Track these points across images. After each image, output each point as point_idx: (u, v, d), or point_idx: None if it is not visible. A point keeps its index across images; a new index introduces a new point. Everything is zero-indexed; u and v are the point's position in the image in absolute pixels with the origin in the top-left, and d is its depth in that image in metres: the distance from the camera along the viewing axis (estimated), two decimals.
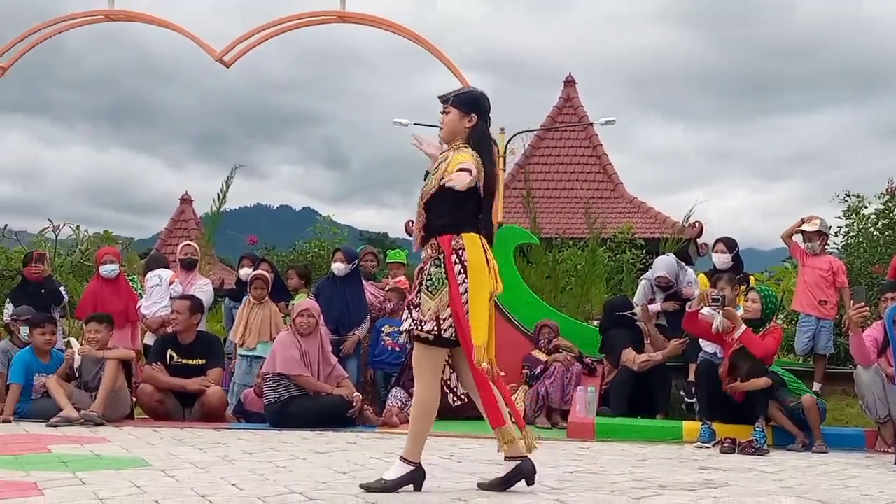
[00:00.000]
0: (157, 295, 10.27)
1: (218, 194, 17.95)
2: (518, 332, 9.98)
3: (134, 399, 9.23)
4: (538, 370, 9.42)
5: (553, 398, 9.20)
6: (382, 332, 9.89)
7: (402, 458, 5.11)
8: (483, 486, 5.22)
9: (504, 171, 24.93)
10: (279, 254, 23.79)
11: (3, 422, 8.40)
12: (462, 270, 5.02)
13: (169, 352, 9.23)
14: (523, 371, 9.54)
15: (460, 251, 5.04)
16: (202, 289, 10.29)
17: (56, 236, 18.64)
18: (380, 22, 10.40)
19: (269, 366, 8.85)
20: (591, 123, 28.70)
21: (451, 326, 5.02)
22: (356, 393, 8.94)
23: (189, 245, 11.06)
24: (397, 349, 9.78)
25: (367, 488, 5.01)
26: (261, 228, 77.51)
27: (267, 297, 9.82)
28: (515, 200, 23.16)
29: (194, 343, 9.29)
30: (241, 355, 9.78)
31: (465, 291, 5.01)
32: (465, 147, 5.13)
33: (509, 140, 27.28)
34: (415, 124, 30.56)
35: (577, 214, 24.09)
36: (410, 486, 5.07)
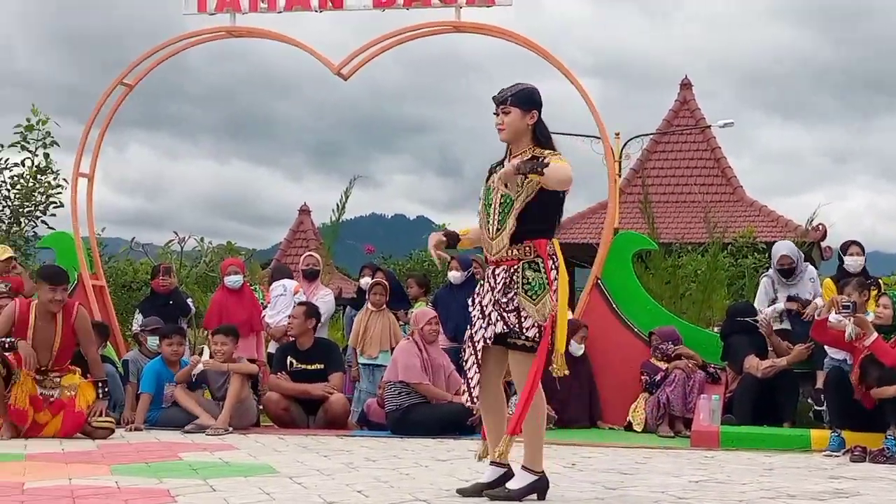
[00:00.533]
0: (282, 305, 10.46)
1: (337, 205, 18.21)
2: (637, 338, 9.86)
3: (260, 407, 9.43)
4: (658, 377, 9.30)
5: (675, 406, 9.06)
6: None
7: (524, 468, 5.05)
8: (465, 493, 5.10)
9: (619, 176, 24.68)
10: (396, 262, 24.04)
11: (135, 430, 8.66)
12: (557, 277, 4.97)
13: (288, 358, 9.40)
14: (642, 378, 9.42)
15: (554, 257, 4.99)
16: (323, 299, 10.45)
17: (181, 248, 19.17)
18: (493, 30, 10.42)
19: (390, 374, 8.97)
20: (709, 126, 28.23)
21: (540, 333, 4.95)
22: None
23: (311, 256, 11.26)
24: None
25: (493, 496, 4.98)
26: (376, 238, 78.39)
27: (385, 305, 9.92)
28: (632, 206, 22.93)
29: (312, 348, 9.43)
30: (363, 364, 9.90)
31: (556, 299, 4.96)
32: (554, 154, 4.99)
33: (624, 145, 27.04)
34: None
35: (696, 219, 23.74)
36: (535, 496, 5.04)
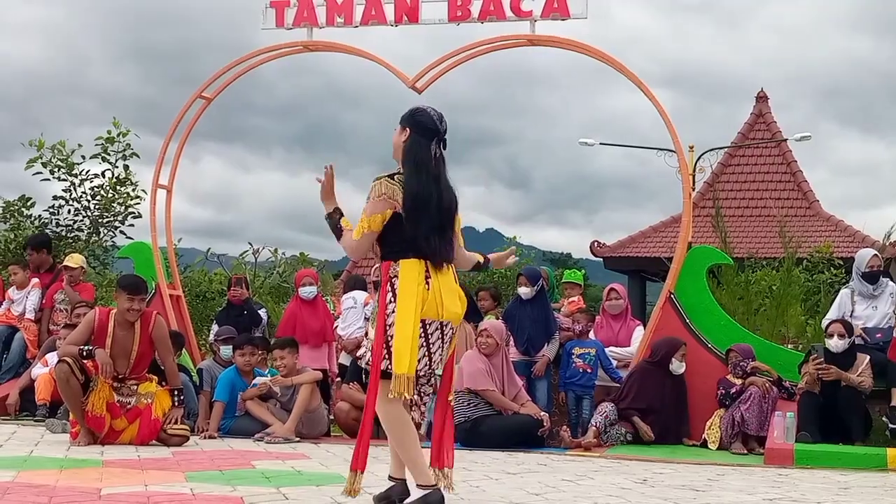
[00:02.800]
0: (353, 317, 10.54)
1: None
2: (712, 355, 9.75)
3: (331, 417, 9.50)
4: (733, 391, 9.19)
5: (749, 424, 8.94)
6: (573, 353, 9.86)
7: (417, 485, 4.98)
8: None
9: (693, 189, 24.42)
10: (467, 274, 24.07)
11: (209, 438, 8.78)
12: (393, 299, 4.89)
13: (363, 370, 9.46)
14: (718, 393, 9.31)
15: (394, 279, 4.93)
16: None
17: (255, 259, 19.42)
18: (568, 43, 10.40)
19: (456, 383, 8.96)
20: (785, 140, 27.87)
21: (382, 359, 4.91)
22: (543, 413, 8.98)
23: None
24: (588, 371, 9.74)
25: None
26: None
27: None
28: (705, 219, 22.71)
29: None
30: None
31: (392, 323, 4.86)
32: (387, 177, 5.00)
33: (698, 158, 26.79)
34: (601, 144, 30.40)
35: (771, 233, 23.42)
36: None
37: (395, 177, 5.00)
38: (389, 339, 4.87)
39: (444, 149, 5.17)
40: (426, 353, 4.94)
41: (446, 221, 5.07)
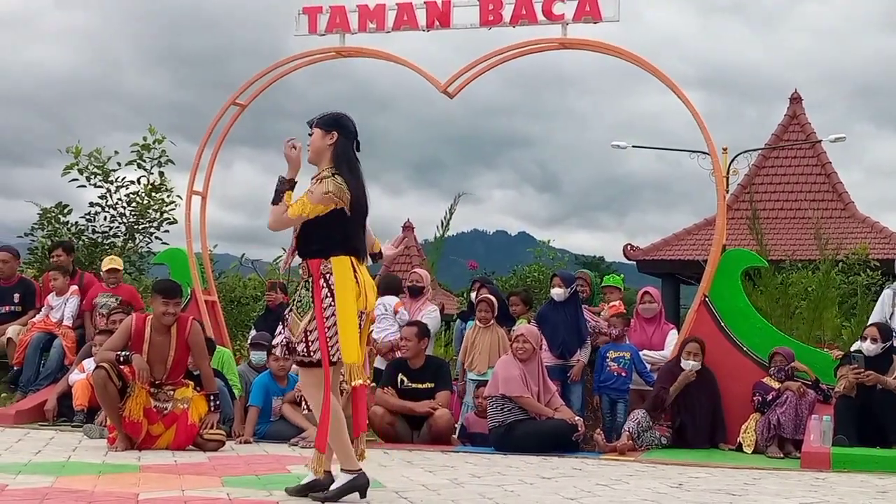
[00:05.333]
0: (385, 322, 10.59)
1: (442, 221, 18.34)
2: (747, 358, 9.68)
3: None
4: (770, 397, 9.13)
5: (786, 428, 8.88)
6: (607, 357, 9.84)
7: (342, 470, 5.34)
8: (316, 498, 5.34)
9: (727, 191, 24.29)
10: (499, 278, 24.07)
11: (244, 443, 8.82)
12: (329, 294, 5.25)
13: (399, 376, 9.49)
14: (754, 398, 9.26)
15: (328, 275, 5.26)
16: (429, 315, 10.48)
17: (290, 264, 19.48)
18: (600, 46, 10.38)
19: (491, 388, 9.00)
20: (820, 141, 27.66)
21: (317, 350, 5.27)
22: (577, 417, 8.97)
23: (416, 272, 11.33)
24: (623, 375, 9.70)
25: (314, 498, 5.31)
26: (477, 254, 78.45)
27: (493, 321, 9.96)
28: (740, 222, 22.60)
29: (423, 367, 9.52)
30: (471, 379, 9.94)
31: (333, 314, 5.23)
32: (328, 175, 5.34)
33: (732, 160, 26.64)
34: (633, 146, 30.28)
35: (806, 235, 23.26)
36: (356, 494, 5.29)
37: (336, 176, 5.36)
38: (332, 332, 5.25)
39: (358, 150, 5.59)
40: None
41: (366, 217, 5.54)
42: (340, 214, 5.32)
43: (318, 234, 5.36)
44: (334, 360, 5.29)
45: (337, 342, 5.26)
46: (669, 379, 9.38)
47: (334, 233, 5.32)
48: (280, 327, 5.56)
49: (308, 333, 5.31)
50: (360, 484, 5.29)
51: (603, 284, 11.56)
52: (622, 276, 11.68)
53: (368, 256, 5.66)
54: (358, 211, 5.39)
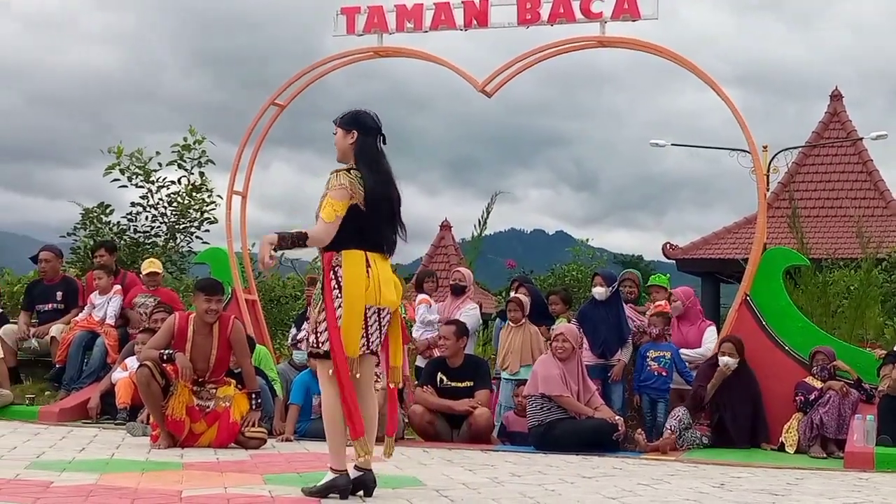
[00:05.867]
0: (419, 320, 10.66)
1: (479, 220, 18.36)
2: (789, 358, 9.61)
3: (405, 420, 9.54)
4: (812, 397, 9.06)
5: (828, 428, 8.80)
6: (648, 356, 9.79)
7: (331, 469, 5.41)
8: (304, 488, 5.47)
9: (767, 190, 24.10)
10: (538, 277, 24.03)
11: (285, 441, 8.87)
12: (337, 286, 5.31)
13: (439, 375, 9.51)
14: (796, 399, 9.18)
15: (337, 268, 5.33)
16: (468, 313, 10.49)
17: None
18: (639, 44, 10.33)
19: (530, 387, 8.99)
20: (861, 138, 27.38)
21: (326, 340, 5.33)
22: (618, 416, 8.94)
23: (458, 271, 11.34)
24: (663, 374, 9.66)
25: (303, 490, 5.44)
26: (515, 253, 78.36)
27: (524, 320, 9.95)
28: (780, 220, 22.42)
29: (462, 366, 9.52)
30: (505, 379, 9.93)
31: (340, 306, 5.29)
32: (345, 170, 5.41)
33: (772, 158, 26.44)
34: (672, 145, 30.13)
35: (848, 234, 23.05)
36: (337, 495, 5.31)
37: (352, 171, 5.44)
38: (341, 323, 5.32)
39: (385, 143, 5.64)
40: (364, 335, 5.40)
41: (397, 212, 5.57)
42: (354, 209, 5.39)
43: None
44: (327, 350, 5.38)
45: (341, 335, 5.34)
46: (708, 376, 9.33)
47: (347, 226, 5.38)
48: (305, 322, 5.73)
49: (318, 325, 5.41)
50: (339, 485, 5.35)
51: (648, 284, 11.50)
52: (668, 275, 11.61)
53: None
54: (375, 206, 5.43)
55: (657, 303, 10.52)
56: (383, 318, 5.49)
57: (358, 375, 5.38)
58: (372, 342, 5.46)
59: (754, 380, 9.45)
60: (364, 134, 5.55)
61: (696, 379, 9.48)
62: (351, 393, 5.33)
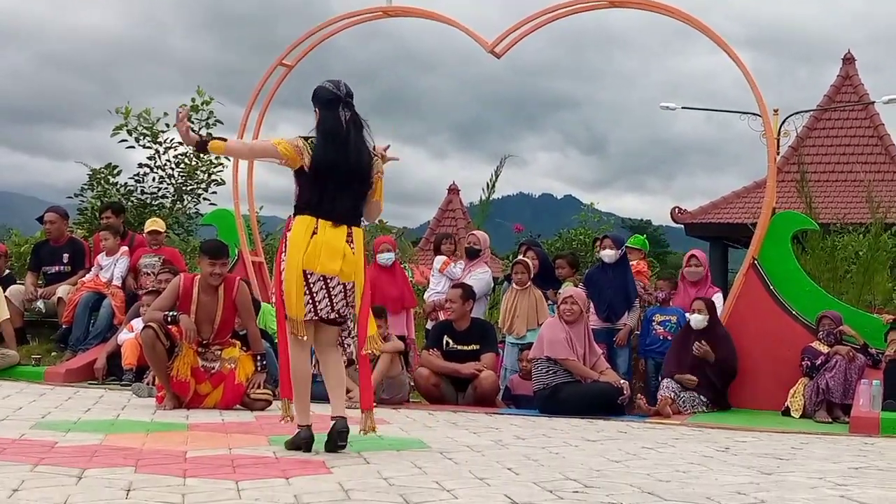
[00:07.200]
0: (433, 282, 10.63)
1: (487, 183, 18.27)
2: (797, 322, 9.59)
3: (411, 383, 9.56)
4: (818, 362, 9.04)
5: (834, 392, 8.79)
6: (654, 321, 9.78)
7: (298, 425, 5.70)
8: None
9: (778, 154, 23.97)
10: (545, 241, 23.97)
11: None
12: (285, 250, 5.50)
13: (445, 338, 9.51)
14: (802, 363, 9.17)
15: (288, 232, 5.53)
16: (477, 276, 10.45)
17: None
18: (650, 5, 10.23)
19: (536, 350, 8.98)
20: (873, 102, 27.18)
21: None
22: (623, 380, 8.93)
23: (473, 234, 11.26)
24: (669, 338, 9.64)
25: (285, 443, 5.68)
26: (524, 217, 78.22)
27: (530, 283, 9.93)
28: (789, 184, 22.30)
29: (469, 329, 9.52)
30: (511, 343, 9.93)
31: (284, 269, 5.50)
32: (304, 137, 5.56)
33: (783, 121, 26.27)
34: (682, 108, 29.98)
35: (857, 198, 22.93)
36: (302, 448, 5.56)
37: (310, 139, 5.55)
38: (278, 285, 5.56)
39: (352, 109, 5.61)
40: (310, 301, 5.51)
41: (356, 181, 5.57)
42: (307, 176, 5.49)
43: (296, 192, 5.60)
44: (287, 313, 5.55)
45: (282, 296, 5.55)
46: (682, 341, 9.30)
47: (302, 193, 5.54)
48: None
49: (274, 285, 5.68)
50: (301, 438, 5.62)
51: (625, 244, 11.46)
52: (644, 237, 11.57)
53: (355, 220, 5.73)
54: (326, 173, 5.47)
55: (633, 262, 10.42)
56: (333, 287, 5.54)
57: (304, 338, 5.55)
58: (320, 309, 5.55)
59: (726, 341, 9.39)
60: (323, 107, 5.60)
61: (673, 344, 9.45)
62: (284, 351, 5.65)
